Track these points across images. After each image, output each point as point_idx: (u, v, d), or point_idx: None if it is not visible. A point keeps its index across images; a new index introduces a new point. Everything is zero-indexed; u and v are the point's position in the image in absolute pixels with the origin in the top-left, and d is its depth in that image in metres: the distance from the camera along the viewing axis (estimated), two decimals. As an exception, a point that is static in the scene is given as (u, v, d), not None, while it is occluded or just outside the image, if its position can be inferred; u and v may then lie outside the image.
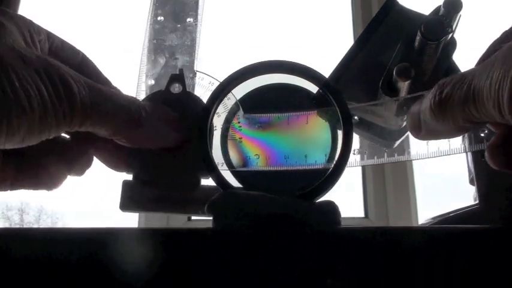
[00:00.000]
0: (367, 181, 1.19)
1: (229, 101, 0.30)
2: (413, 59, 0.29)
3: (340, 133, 0.29)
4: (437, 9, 0.29)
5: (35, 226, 1.28)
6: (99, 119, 0.24)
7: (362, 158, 0.30)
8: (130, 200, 0.29)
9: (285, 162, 0.29)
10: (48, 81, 0.21)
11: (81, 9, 1.26)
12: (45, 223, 1.27)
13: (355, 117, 0.30)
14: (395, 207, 1.12)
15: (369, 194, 1.16)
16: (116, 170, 0.30)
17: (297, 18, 1.30)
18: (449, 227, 0.31)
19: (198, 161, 0.29)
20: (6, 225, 1.26)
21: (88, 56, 0.30)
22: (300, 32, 1.28)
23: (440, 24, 0.28)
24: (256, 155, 0.29)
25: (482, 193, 0.32)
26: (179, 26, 0.32)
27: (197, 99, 0.31)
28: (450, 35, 0.29)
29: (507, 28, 0.25)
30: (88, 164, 0.29)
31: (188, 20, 0.33)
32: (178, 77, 0.31)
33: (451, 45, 0.30)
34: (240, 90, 0.30)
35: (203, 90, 0.31)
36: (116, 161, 0.29)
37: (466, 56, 0.32)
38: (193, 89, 0.31)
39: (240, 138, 0.30)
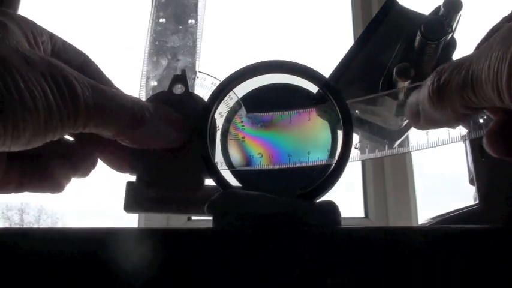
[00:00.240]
0: (367, 181, 1.19)
1: (231, 101, 0.30)
2: (413, 59, 0.29)
3: (340, 133, 0.29)
4: (437, 9, 0.29)
5: (35, 226, 1.28)
6: (102, 119, 0.24)
7: (363, 152, 0.29)
8: (134, 201, 0.29)
9: (288, 161, 0.29)
10: (52, 82, 0.21)
11: (81, 8, 1.26)
12: (45, 223, 1.27)
13: (356, 111, 0.30)
14: (395, 207, 1.12)
15: (369, 194, 1.17)
16: (119, 172, 0.30)
17: (297, 18, 1.30)
18: (449, 227, 0.31)
19: (201, 161, 0.29)
20: (6, 225, 1.27)
21: (89, 54, 0.30)
22: (300, 32, 1.28)
23: (440, 24, 0.28)
24: (260, 153, 0.29)
25: (482, 193, 0.32)
26: (181, 27, 0.32)
27: (200, 100, 0.31)
28: (450, 35, 0.29)
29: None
30: (93, 165, 0.29)
31: (190, 21, 0.33)
32: (181, 78, 0.31)
33: (451, 45, 0.30)
34: (240, 90, 0.30)
35: (205, 91, 0.31)
36: (119, 162, 0.29)
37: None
38: (195, 89, 0.31)
39: (243, 138, 0.30)
